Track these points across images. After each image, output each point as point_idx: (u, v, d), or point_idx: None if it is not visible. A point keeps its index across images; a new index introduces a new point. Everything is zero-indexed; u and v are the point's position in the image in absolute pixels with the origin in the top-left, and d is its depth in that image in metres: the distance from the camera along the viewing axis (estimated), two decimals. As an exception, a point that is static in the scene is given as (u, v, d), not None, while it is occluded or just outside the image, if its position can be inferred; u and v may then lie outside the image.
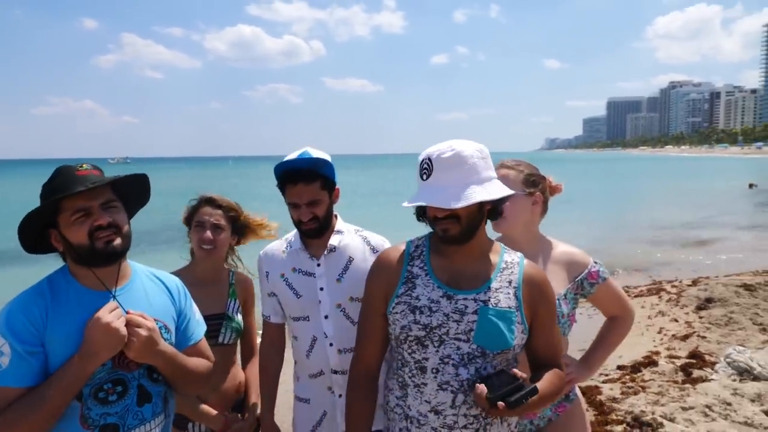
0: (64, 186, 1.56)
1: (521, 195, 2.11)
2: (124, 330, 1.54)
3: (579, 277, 2.12)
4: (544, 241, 2.21)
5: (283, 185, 2.15)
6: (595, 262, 2.17)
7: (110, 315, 1.54)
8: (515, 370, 1.58)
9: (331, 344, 2.19)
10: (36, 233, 1.62)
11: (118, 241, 1.60)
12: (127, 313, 1.59)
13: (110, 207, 1.61)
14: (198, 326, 1.87)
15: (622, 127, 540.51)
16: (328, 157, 2.15)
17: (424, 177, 1.67)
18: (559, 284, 2.08)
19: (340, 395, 2.19)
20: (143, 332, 1.57)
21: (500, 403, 1.49)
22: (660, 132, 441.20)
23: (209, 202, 2.48)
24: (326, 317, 2.19)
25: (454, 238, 1.67)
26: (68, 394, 1.51)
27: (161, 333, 1.66)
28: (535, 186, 2.16)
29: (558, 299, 2.04)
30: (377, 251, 2.21)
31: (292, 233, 2.33)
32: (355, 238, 2.28)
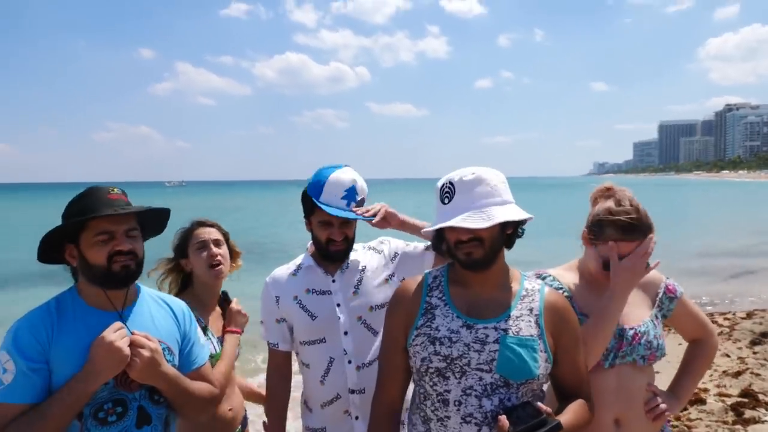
0: (94, 206, 1.61)
1: None
2: (127, 350, 1.57)
3: (659, 295, 2.04)
4: None
5: (315, 203, 2.11)
6: (667, 278, 2.09)
7: (114, 334, 1.57)
8: (540, 404, 1.54)
9: (350, 361, 2.16)
10: (55, 245, 1.67)
11: (133, 267, 1.64)
12: (132, 333, 1.62)
13: (132, 235, 1.66)
14: (202, 350, 1.87)
15: (675, 151, 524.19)
16: (362, 182, 2.19)
17: (446, 201, 1.66)
18: (645, 308, 2.01)
19: (357, 417, 2.16)
20: (146, 353, 1.59)
21: None
22: (716, 156, 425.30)
23: (201, 224, 2.50)
24: (346, 333, 2.16)
25: (477, 262, 1.63)
26: (70, 411, 1.53)
27: (164, 355, 1.67)
28: None
29: (652, 321, 1.99)
30: (380, 250, 2.32)
31: (300, 257, 2.32)
32: (361, 250, 2.30)
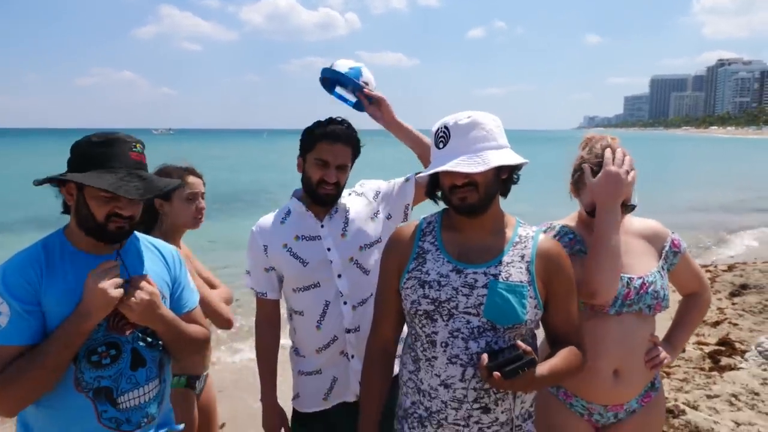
0: (114, 162, 1.57)
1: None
2: (113, 292, 1.54)
3: (665, 249, 2.06)
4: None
5: (317, 140, 2.11)
6: (672, 232, 2.10)
7: (101, 275, 1.54)
8: (519, 343, 1.56)
9: (345, 302, 2.18)
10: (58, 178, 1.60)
11: (127, 228, 1.62)
12: (130, 276, 1.61)
13: (135, 201, 1.63)
14: (192, 295, 1.87)
15: (665, 106, 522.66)
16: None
17: (441, 145, 1.65)
18: (651, 259, 2.03)
19: (353, 356, 2.20)
20: (145, 296, 1.58)
21: (495, 373, 1.49)
22: (705, 112, 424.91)
23: (193, 172, 2.47)
24: (339, 276, 2.18)
25: (472, 206, 1.64)
26: (67, 351, 1.53)
27: None
28: None
29: (659, 272, 2.01)
30: (361, 192, 2.34)
31: (287, 202, 2.29)
32: (346, 196, 2.31)
